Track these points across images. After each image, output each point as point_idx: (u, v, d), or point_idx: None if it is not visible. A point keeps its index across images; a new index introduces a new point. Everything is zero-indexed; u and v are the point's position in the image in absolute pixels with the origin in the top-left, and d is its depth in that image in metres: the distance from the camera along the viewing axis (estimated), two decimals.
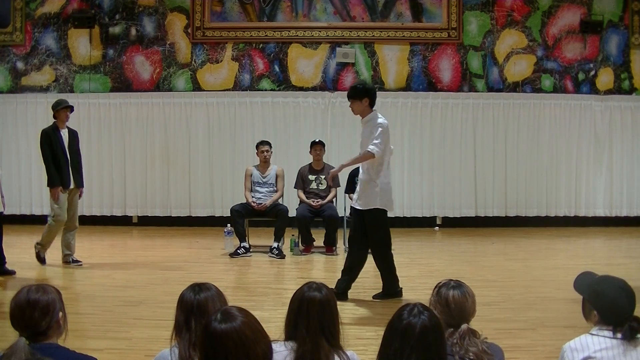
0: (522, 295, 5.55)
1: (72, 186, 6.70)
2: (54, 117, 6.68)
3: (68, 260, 6.70)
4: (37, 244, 6.67)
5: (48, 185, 6.60)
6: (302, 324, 2.26)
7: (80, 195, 6.90)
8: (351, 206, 5.51)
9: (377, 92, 10.18)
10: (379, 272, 5.42)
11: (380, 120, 5.22)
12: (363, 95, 5.23)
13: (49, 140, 6.56)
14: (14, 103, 9.77)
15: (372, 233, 5.24)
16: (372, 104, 5.29)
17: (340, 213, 7.80)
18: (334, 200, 7.89)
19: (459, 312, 2.35)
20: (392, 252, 5.41)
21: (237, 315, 1.84)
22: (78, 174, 6.76)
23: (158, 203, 9.78)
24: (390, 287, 5.39)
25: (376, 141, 5.10)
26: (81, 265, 6.67)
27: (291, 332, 2.30)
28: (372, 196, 5.21)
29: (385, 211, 5.25)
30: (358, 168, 7.92)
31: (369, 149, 5.11)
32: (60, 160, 6.57)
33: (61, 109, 6.63)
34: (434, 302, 2.39)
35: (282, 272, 6.82)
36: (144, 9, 9.78)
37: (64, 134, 6.70)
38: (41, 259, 6.64)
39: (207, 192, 9.78)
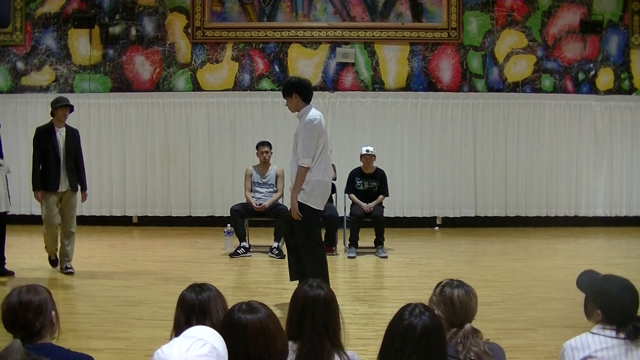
0: (522, 295, 5.56)
1: (63, 189, 6.32)
2: (52, 114, 6.40)
3: (62, 267, 6.41)
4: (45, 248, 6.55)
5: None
6: (308, 323, 2.25)
7: (83, 199, 6.60)
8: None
9: (377, 92, 10.06)
10: (304, 265, 5.03)
11: (309, 117, 4.98)
12: (292, 91, 5.05)
13: (40, 140, 6.30)
14: (14, 103, 9.76)
15: (297, 229, 5.01)
16: (305, 98, 5.05)
17: (340, 213, 7.80)
18: (334, 200, 7.89)
19: (463, 311, 2.35)
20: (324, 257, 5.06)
21: (260, 309, 1.89)
22: (75, 176, 6.39)
23: (158, 203, 9.76)
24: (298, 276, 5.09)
25: (303, 151, 4.93)
26: (72, 273, 6.30)
27: (294, 331, 2.29)
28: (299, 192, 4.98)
29: (311, 209, 4.96)
30: (359, 167, 7.97)
31: (299, 164, 4.94)
32: (50, 161, 6.23)
33: (59, 107, 6.32)
34: (437, 301, 2.38)
35: (282, 272, 6.80)
36: (144, 9, 9.77)
37: (61, 133, 6.36)
38: (51, 262, 6.51)
39: (207, 192, 9.76)
